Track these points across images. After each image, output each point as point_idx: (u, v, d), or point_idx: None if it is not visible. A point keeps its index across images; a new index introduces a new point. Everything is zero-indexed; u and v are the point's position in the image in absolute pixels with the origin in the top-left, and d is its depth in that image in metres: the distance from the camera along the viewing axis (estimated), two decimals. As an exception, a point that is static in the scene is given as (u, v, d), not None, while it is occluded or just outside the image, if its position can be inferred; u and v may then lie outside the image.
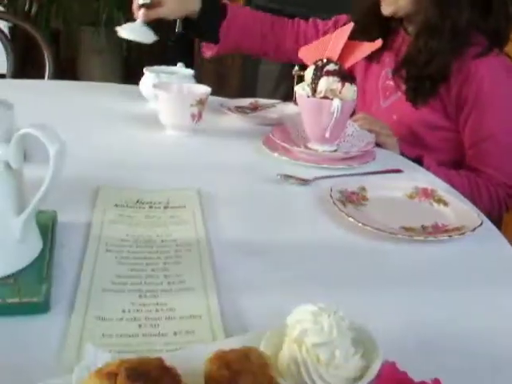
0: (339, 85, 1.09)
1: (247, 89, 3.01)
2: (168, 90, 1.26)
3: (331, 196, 0.93)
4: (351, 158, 1.13)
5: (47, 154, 0.61)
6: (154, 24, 1.44)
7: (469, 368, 0.59)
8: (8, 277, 0.64)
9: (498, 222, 1.24)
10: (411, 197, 0.98)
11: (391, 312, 0.67)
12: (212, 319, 0.63)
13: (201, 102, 1.21)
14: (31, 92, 1.49)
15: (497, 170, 1.32)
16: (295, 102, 1.31)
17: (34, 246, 0.69)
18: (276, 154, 1.13)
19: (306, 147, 1.16)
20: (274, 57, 1.67)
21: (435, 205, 0.96)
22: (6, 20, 2.10)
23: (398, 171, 1.11)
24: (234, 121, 1.39)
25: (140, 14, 1.41)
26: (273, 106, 1.50)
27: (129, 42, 1.48)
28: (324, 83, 1.10)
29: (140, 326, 0.62)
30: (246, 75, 3.41)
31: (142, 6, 1.41)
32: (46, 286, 0.64)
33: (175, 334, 0.61)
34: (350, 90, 1.10)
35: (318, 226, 0.89)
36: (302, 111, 1.16)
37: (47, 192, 0.63)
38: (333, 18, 1.58)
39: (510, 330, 0.66)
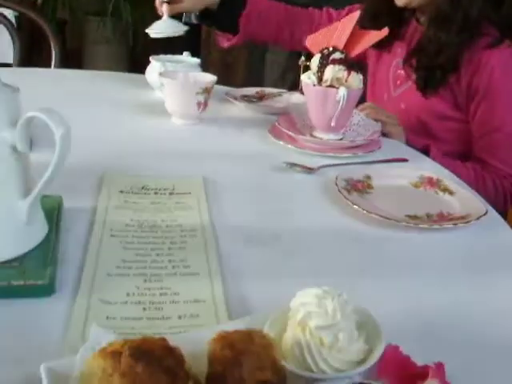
0: (345, 73, 1.09)
1: (253, 79, 3.01)
2: (174, 78, 1.26)
3: (336, 184, 0.93)
4: (357, 147, 1.13)
5: (53, 141, 0.62)
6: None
7: (472, 354, 0.59)
8: (13, 260, 0.65)
9: (503, 215, 1.23)
10: (416, 186, 0.98)
11: (395, 298, 0.67)
12: (216, 304, 0.63)
13: (206, 91, 1.21)
14: (37, 80, 1.49)
15: (503, 162, 1.31)
16: (301, 92, 1.31)
17: (40, 229, 0.69)
18: (282, 143, 1.13)
19: (312, 136, 1.16)
20: (288, 46, 1.69)
21: (440, 193, 0.96)
22: (13, 9, 2.10)
23: (403, 160, 1.11)
24: (239, 109, 1.39)
25: (164, 10, 1.46)
26: (279, 95, 1.50)
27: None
28: (330, 72, 1.09)
29: (144, 309, 0.62)
30: (252, 65, 3.41)
31: (167, 2, 1.46)
32: (51, 269, 0.64)
33: (179, 317, 0.61)
34: (355, 79, 1.10)
35: (323, 213, 0.89)
36: (308, 100, 1.16)
37: (53, 175, 0.63)
38: (346, 8, 1.58)
39: (513, 316, 0.66)
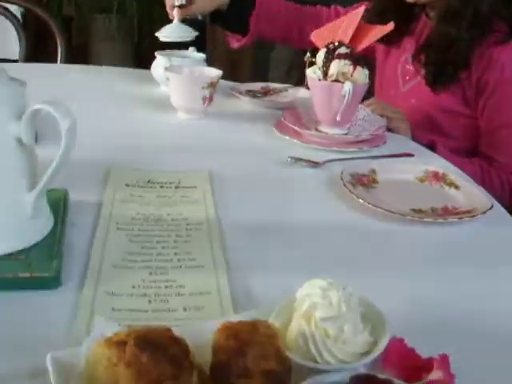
0: (351, 68, 1.09)
1: (259, 75, 2.99)
2: (179, 72, 1.26)
3: (342, 178, 0.93)
4: (362, 142, 1.13)
5: (58, 135, 0.62)
6: None
7: (477, 347, 0.59)
8: (19, 252, 0.65)
9: (508, 210, 1.23)
10: (422, 180, 0.98)
11: (399, 292, 0.67)
12: (221, 296, 0.64)
13: (212, 85, 1.21)
14: (44, 75, 1.49)
15: (510, 158, 1.31)
16: (307, 87, 1.31)
17: (46, 222, 0.70)
18: (287, 137, 1.13)
19: (317, 130, 1.16)
20: (297, 44, 1.68)
21: (446, 188, 0.96)
22: (19, 5, 2.10)
23: (409, 155, 1.11)
24: (245, 104, 1.39)
25: (175, 14, 1.47)
26: (284, 90, 1.50)
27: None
28: (335, 66, 1.09)
29: (150, 301, 0.62)
30: (257, 61, 3.40)
31: (178, 6, 1.47)
32: (57, 261, 0.64)
33: (185, 309, 0.61)
34: (361, 74, 1.10)
35: (329, 207, 0.89)
36: (313, 94, 1.16)
37: (59, 167, 0.63)
38: (354, 6, 1.58)
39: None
